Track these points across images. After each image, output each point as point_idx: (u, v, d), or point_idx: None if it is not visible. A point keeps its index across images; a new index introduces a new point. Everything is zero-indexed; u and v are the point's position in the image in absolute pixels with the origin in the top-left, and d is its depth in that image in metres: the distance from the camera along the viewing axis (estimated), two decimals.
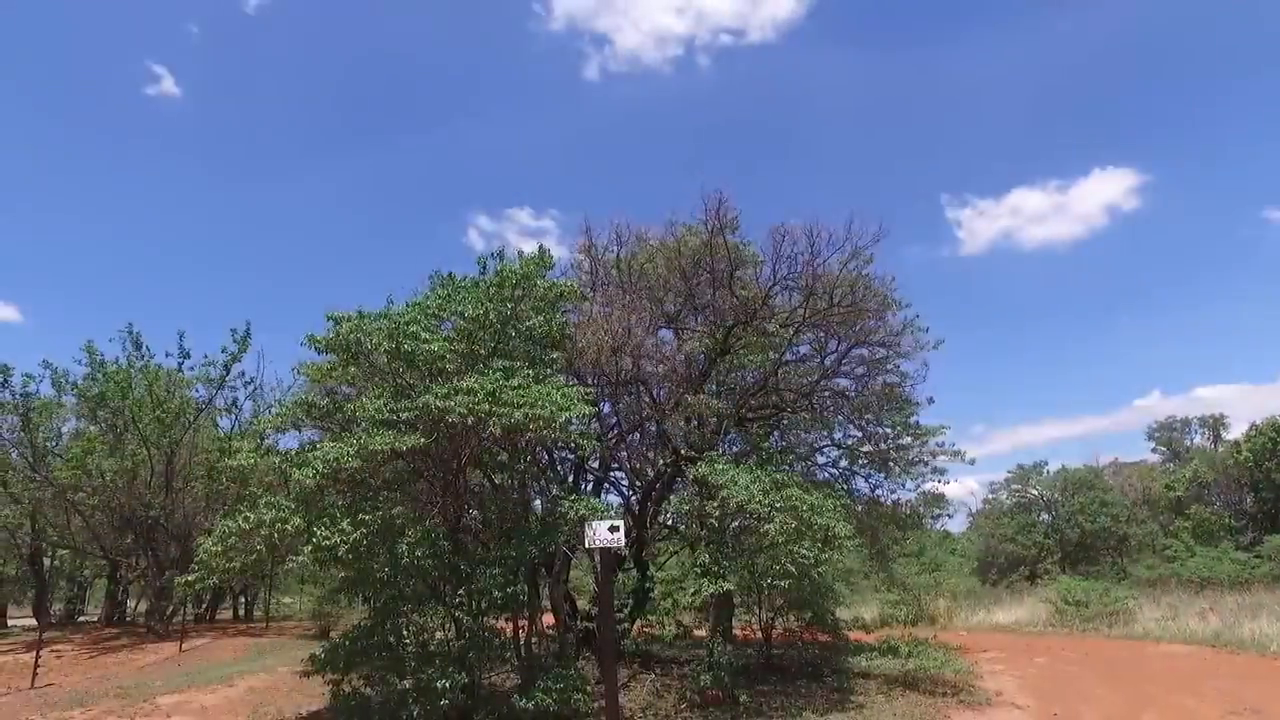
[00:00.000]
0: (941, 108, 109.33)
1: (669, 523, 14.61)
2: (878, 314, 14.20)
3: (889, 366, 15.17)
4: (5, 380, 20.83)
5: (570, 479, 14.20)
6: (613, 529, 8.00)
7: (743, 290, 14.04)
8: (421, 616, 9.07)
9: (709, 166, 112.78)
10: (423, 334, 9.13)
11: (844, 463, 16.59)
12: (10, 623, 34.36)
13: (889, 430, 15.70)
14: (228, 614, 35.10)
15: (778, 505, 9.78)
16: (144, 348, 23.54)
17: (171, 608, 23.09)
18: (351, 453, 8.08)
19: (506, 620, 9.94)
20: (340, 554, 7.78)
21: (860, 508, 15.45)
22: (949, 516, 18.26)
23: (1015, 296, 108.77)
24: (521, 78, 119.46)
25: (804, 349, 15.41)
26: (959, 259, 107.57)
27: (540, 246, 11.21)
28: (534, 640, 10.74)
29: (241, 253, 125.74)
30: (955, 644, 14.12)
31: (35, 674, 14.64)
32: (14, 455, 22.50)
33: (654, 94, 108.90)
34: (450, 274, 11.04)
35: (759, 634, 14.18)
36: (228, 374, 22.80)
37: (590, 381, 13.37)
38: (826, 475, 16.36)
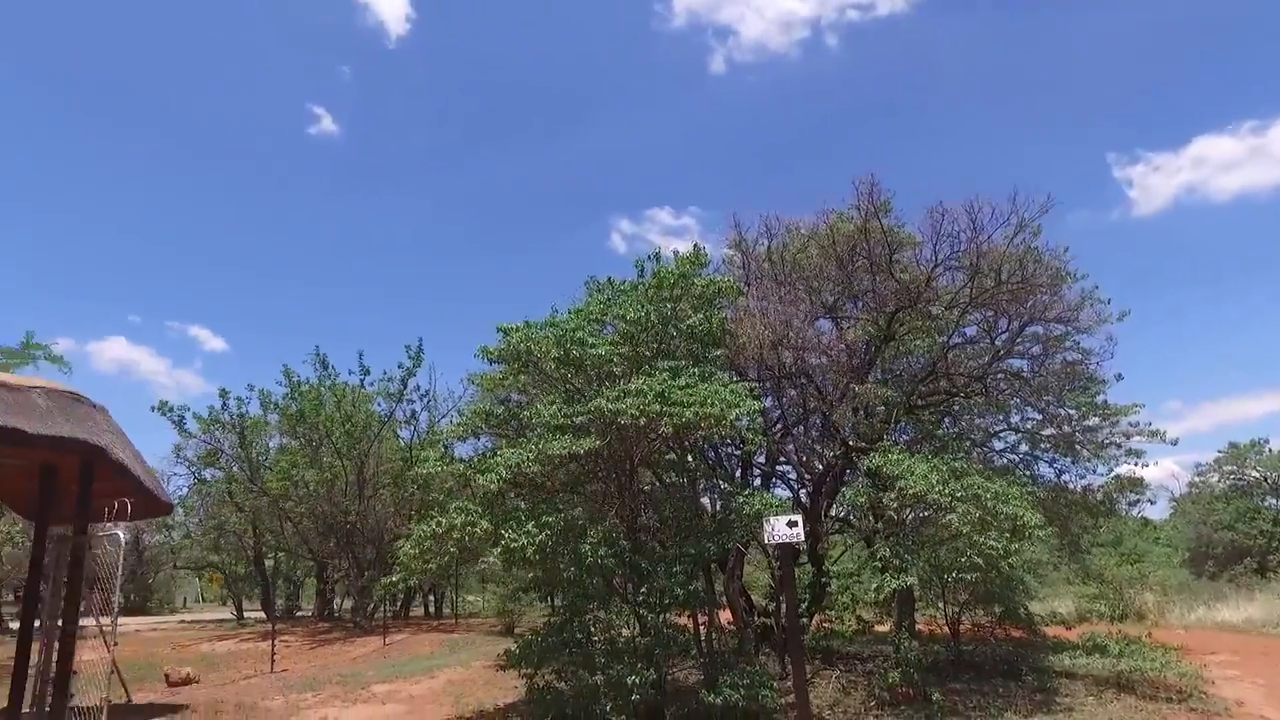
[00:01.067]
0: (1094, 63, 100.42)
1: (841, 516, 14.32)
2: (1051, 288, 13.26)
3: (1068, 344, 14.16)
4: (224, 403, 23.40)
5: (738, 475, 14.22)
6: (791, 524, 7.94)
7: (903, 274, 13.52)
8: (606, 614, 9.37)
9: (850, 149, 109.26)
10: (588, 339, 9.45)
11: (1024, 448, 15.66)
12: (245, 615, 38.51)
13: (1073, 411, 14.66)
14: (419, 611, 37.73)
15: (958, 495, 9.35)
16: (330, 368, 25.72)
17: (372, 605, 25.08)
18: (531, 457, 8.48)
19: (687, 617, 10.10)
20: (528, 555, 8.18)
21: (1046, 495, 14.50)
22: (1150, 502, 16.77)
23: (1206, 255, 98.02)
24: (649, 78, 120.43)
25: (972, 330, 14.66)
26: (1134, 220, 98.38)
27: (695, 245, 11.30)
28: (714, 636, 10.84)
29: (399, 273, 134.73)
30: (1174, 644, 12.89)
31: (273, 661, 16.36)
32: (235, 469, 25.27)
33: (783, 80, 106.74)
34: (610, 278, 11.36)
35: (945, 629, 13.63)
36: (405, 388, 24.57)
37: (752, 376, 13.32)
38: (1005, 461, 15.49)
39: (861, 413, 13.34)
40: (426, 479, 12.88)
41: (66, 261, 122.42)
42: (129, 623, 30.32)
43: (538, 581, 10.19)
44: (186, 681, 14.24)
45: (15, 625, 30.39)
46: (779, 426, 14.85)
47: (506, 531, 8.27)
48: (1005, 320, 13.82)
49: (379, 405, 25.92)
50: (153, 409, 22.47)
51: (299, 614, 38.40)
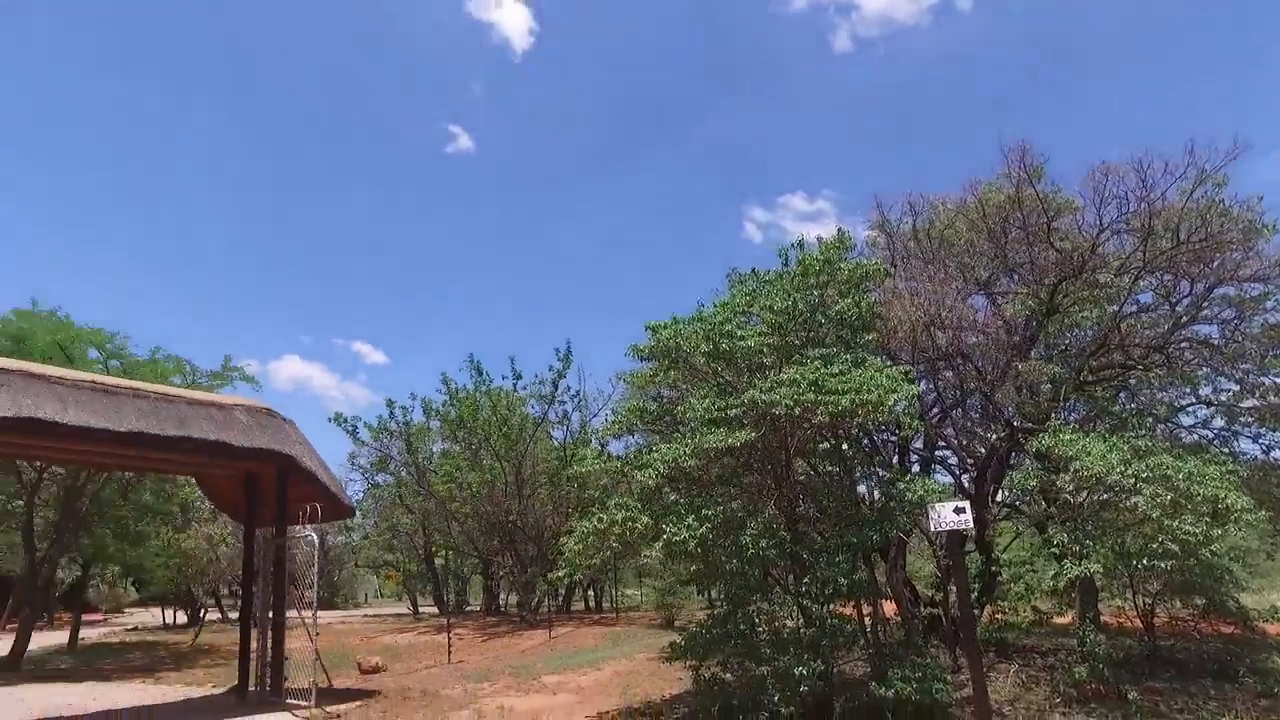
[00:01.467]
0: None
1: (1008, 501, 13.61)
2: (1243, 244, 12.01)
3: (1269, 304, 12.79)
4: (391, 412, 25.04)
5: (895, 462, 13.81)
6: (958, 510, 7.63)
7: (1063, 242, 12.67)
8: (769, 605, 9.36)
9: (992, 116, 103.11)
10: (737, 331, 9.47)
11: (1219, 422, 14.28)
12: (420, 610, 41.12)
13: (1279, 380, 13.24)
14: (579, 606, 38.91)
15: (1144, 475, 8.66)
16: (484, 374, 26.99)
17: (536, 600, 26.12)
18: (687, 452, 8.60)
19: (850, 607, 9.92)
20: (689, 548, 8.29)
21: (1251, 474, 13.16)
22: None
23: None
24: (773, 63, 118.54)
25: (1147, 297, 13.55)
26: None
27: (839, 229, 11.08)
28: (879, 627, 10.59)
29: (539, 280, 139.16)
30: None
31: (449, 653, 17.40)
32: (403, 473, 27.01)
33: (913, 51, 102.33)
34: (754, 269, 11.31)
35: (1135, 622, 12.68)
36: (556, 390, 25.45)
37: (905, 360, 12.89)
38: (1196, 438, 14.19)
39: (1026, 392, 12.62)
40: (583, 477, 13.31)
41: (245, 290, 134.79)
42: (321, 616, 33.11)
43: (698, 574, 10.28)
44: (376, 670, 15.36)
45: (234, 615, 33.84)
46: (936, 410, 14.29)
47: (667, 526, 8.41)
48: (1187, 283, 12.68)
49: (532, 408, 27.00)
50: (329, 420, 24.47)
51: (468, 609, 40.52)
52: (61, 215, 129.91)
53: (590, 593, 40.29)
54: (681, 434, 9.58)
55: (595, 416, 26.47)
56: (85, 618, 47.71)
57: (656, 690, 12.26)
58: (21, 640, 18.29)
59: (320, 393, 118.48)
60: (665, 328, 10.09)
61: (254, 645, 12.84)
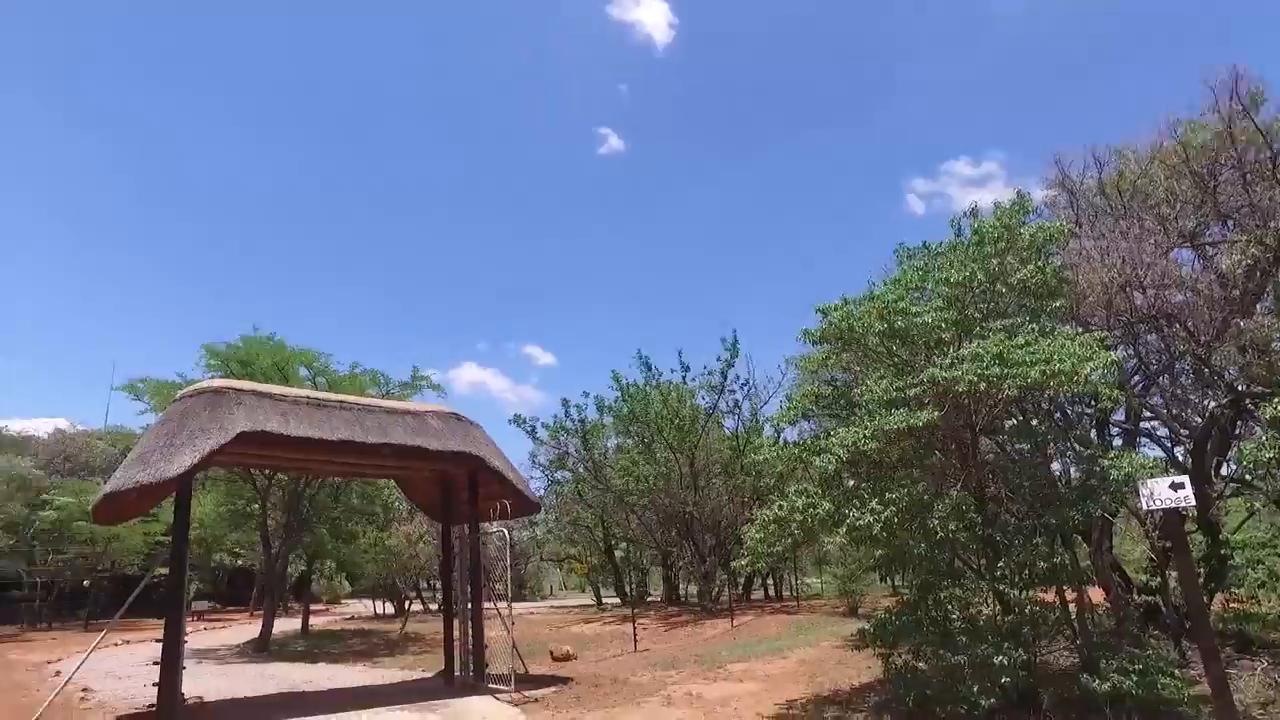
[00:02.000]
0: None
1: (1236, 475, 12.21)
2: None
3: None
4: (566, 411, 26.01)
5: (1093, 436, 12.75)
6: (1175, 486, 6.93)
7: None
8: (961, 591, 8.92)
9: (1175, 51, 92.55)
10: (911, 308, 9.09)
11: None
12: (603, 601, 42.48)
13: None
14: (758, 595, 38.75)
15: None
16: (653, 368, 27.43)
17: (716, 589, 26.28)
18: (867, 435, 8.34)
19: (1051, 593, 9.27)
20: (875, 533, 8.05)
21: None
22: None
23: None
24: (924, 25, 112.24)
25: None
26: None
27: (1018, 192, 10.33)
28: (1086, 615, 9.81)
29: (695, 269, 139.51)
30: None
31: (635, 641, 17.88)
32: (581, 469, 28.01)
33: None
34: (925, 243, 10.80)
35: None
36: (725, 379, 25.42)
37: (1097, 325, 11.86)
38: None
39: (1252, 352, 11.27)
40: (758, 466, 13.21)
41: (424, 301, 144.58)
42: (513, 607, 35.01)
43: (883, 560, 9.98)
44: (567, 658, 16.03)
45: (434, 606, 36.62)
46: (1138, 378, 13.06)
47: (850, 511, 8.22)
48: None
49: (702, 399, 27.16)
50: (509, 422, 25.79)
51: (649, 599, 41.43)
52: (251, 232, 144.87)
53: (770, 581, 40.05)
54: (859, 417, 9.31)
55: (766, 404, 26.35)
56: (311, 608, 53.28)
57: (844, 678, 12.02)
58: (267, 626, 20.62)
59: (496, 396, 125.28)
60: (835, 309, 9.85)
61: (455, 634, 13.75)
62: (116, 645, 24.29)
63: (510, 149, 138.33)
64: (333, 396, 12.56)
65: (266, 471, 21.71)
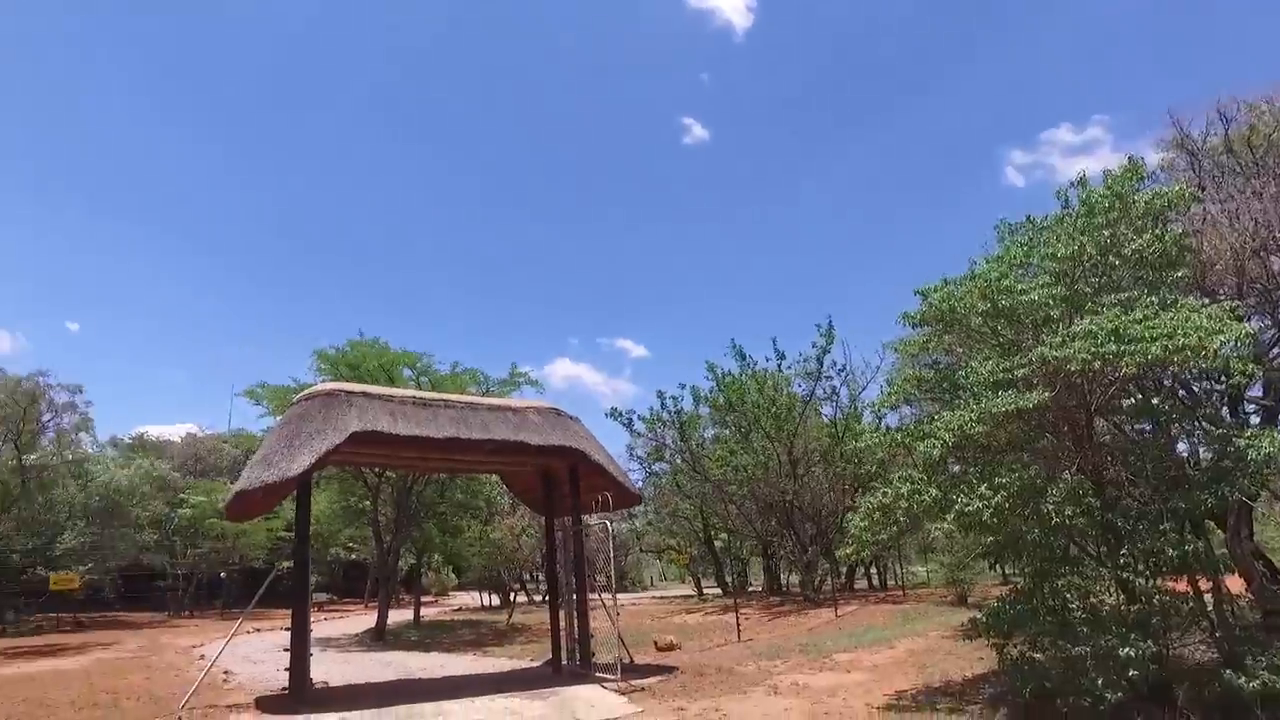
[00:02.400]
0: None
1: None
2: None
3: None
4: (663, 403, 26.15)
5: (1224, 413, 11.93)
6: None
7: None
8: (1081, 579, 8.51)
9: None
10: (1017, 286, 8.71)
11: None
12: (704, 592, 42.59)
13: None
14: (862, 584, 38.06)
15: None
16: (748, 357, 27.24)
17: (818, 578, 25.97)
18: (973, 418, 8.06)
19: (1184, 583, 8.73)
20: (984, 519, 7.78)
21: None
22: None
23: None
24: None
25: None
26: None
27: (1129, 157, 9.73)
28: (1226, 607, 9.21)
29: (786, 254, 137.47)
30: None
31: (739, 631, 17.84)
32: (678, 461, 28.13)
33: None
34: (1028, 216, 10.32)
35: None
36: (821, 366, 25.03)
37: (1225, 295, 11.08)
38: None
39: None
40: (859, 453, 12.88)
41: (516, 301, 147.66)
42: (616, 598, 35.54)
43: (994, 547, 9.62)
44: (671, 648, 16.13)
45: (538, 598, 37.52)
46: (1277, 350, 12.14)
47: (957, 497, 7.97)
48: None
49: (799, 386, 26.84)
50: (606, 415, 26.13)
51: (750, 589, 41.29)
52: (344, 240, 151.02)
53: (873, 570, 39.20)
54: (963, 400, 9.00)
55: (865, 390, 25.82)
56: (421, 599, 55.47)
57: (956, 669, 11.67)
58: (382, 616, 21.58)
59: (591, 390, 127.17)
60: (935, 291, 9.55)
61: (560, 624, 14.03)
62: (248, 633, 25.91)
63: (595, 143, 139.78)
64: (437, 396, 12.99)
65: (376, 470, 22.67)
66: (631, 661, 14.29)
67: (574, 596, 13.30)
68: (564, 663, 13.67)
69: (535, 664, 14.99)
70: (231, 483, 38.45)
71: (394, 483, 23.37)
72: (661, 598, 43.04)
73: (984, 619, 8.99)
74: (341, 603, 44.95)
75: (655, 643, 16.43)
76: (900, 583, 35.92)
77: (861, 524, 9.57)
